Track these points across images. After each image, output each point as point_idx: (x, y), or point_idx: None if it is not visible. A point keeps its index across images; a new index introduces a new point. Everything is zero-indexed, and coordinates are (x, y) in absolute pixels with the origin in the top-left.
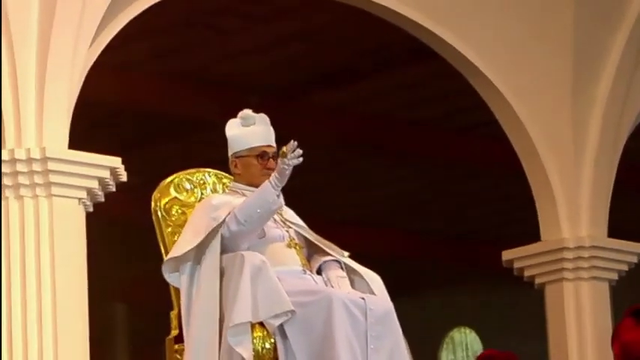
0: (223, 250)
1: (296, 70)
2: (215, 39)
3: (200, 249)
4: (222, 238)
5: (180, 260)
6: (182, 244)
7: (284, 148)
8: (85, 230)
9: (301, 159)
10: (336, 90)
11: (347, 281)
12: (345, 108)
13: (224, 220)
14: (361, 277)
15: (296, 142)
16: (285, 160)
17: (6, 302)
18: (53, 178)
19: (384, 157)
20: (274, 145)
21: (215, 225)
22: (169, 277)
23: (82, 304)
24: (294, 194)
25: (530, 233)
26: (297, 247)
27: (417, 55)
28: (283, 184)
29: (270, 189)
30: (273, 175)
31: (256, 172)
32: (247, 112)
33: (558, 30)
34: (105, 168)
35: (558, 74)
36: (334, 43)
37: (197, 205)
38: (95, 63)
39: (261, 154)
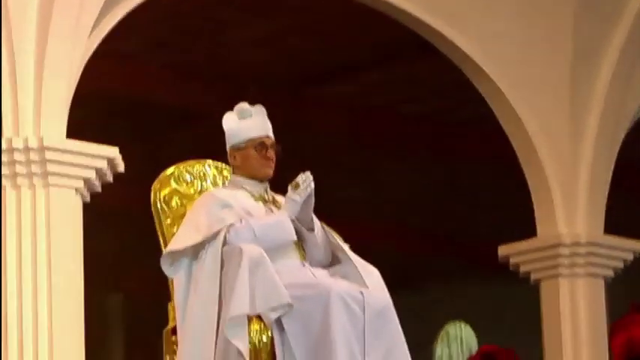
0: (222, 244)
1: (296, 64)
2: (215, 31)
3: (200, 244)
4: (226, 238)
5: (178, 254)
6: (182, 238)
7: (297, 179)
8: (82, 220)
9: (312, 188)
10: (336, 84)
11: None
12: (345, 102)
13: (231, 225)
14: (356, 271)
15: (308, 172)
16: (298, 191)
17: (1, 291)
18: (50, 167)
19: (383, 152)
20: (272, 136)
21: (220, 228)
22: (168, 269)
23: (78, 294)
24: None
25: (526, 229)
26: (296, 241)
27: (418, 50)
28: (297, 214)
29: (289, 222)
30: (288, 209)
31: (255, 164)
32: (244, 105)
33: (558, 25)
34: (102, 158)
35: (557, 70)
36: (334, 38)
37: (199, 197)
38: (94, 53)
39: (260, 145)
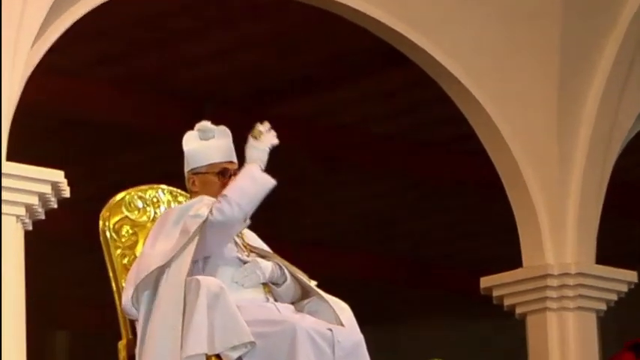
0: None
1: (259, 79)
2: (170, 43)
3: (163, 270)
4: (211, 225)
5: (143, 284)
6: (158, 256)
7: (259, 128)
8: (24, 251)
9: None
10: (302, 100)
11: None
12: (312, 119)
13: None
14: (329, 306)
15: (267, 122)
16: (262, 138)
17: None
18: None
19: (353, 174)
20: (236, 161)
21: (201, 221)
22: (130, 310)
23: (19, 331)
24: (258, 212)
25: (511, 259)
26: None
27: (390, 62)
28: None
29: (260, 172)
30: (254, 159)
31: (216, 191)
32: (206, 124)
33: (544, 39)
34: (46, 182)
35: (544, 86)
36: (300, 49)
37: (153, 225)
38: (38, 65)
39: (222, 171)
